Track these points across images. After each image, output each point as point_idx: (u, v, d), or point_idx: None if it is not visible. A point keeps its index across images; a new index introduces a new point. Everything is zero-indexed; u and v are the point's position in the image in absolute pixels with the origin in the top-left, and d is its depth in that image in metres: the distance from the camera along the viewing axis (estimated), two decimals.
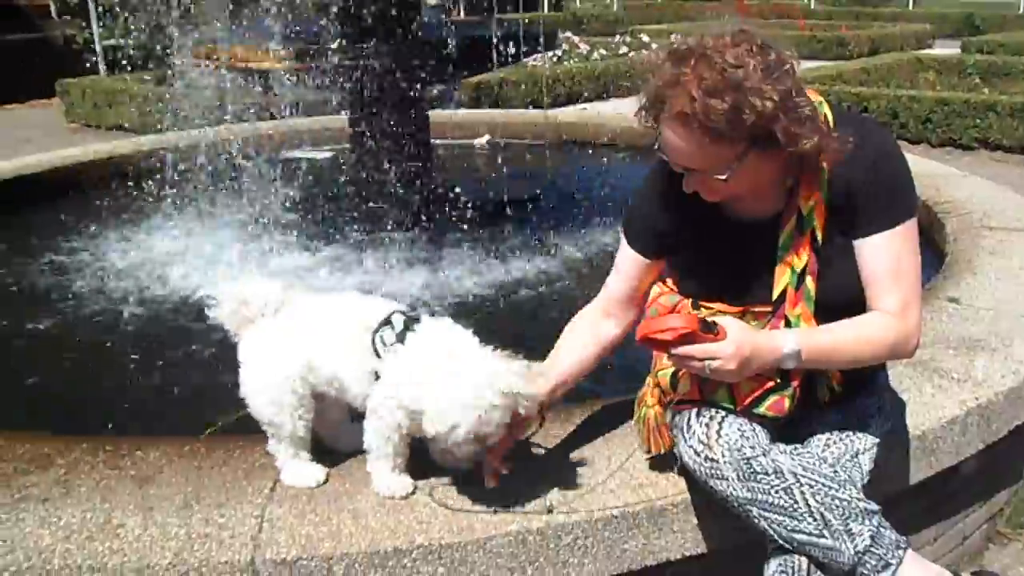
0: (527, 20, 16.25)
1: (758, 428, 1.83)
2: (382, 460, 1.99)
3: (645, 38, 16.15)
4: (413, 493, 2.01)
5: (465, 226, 4.73)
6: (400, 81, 4.40)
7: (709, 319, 1.76)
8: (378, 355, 1.95)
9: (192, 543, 1.88)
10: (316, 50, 4.50)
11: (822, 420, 2.01)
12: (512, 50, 5.70)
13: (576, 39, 15.61)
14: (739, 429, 1.81)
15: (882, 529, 1.80)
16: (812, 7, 24.91)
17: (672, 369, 1.93)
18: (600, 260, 4.35)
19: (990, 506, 2.77)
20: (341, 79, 4.45)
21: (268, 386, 2.03)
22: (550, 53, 13.42)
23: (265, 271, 4.22)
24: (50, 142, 8.92)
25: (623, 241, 2.11)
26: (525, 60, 11.26)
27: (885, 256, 1.83)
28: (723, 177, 1.74)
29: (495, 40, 5.67)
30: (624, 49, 15.22)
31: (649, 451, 2.03)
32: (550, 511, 1.95)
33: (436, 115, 5.75)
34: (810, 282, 1.86)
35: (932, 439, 2.31)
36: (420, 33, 4.57)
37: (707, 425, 1.82)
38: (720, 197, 1.86)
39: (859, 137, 1.80)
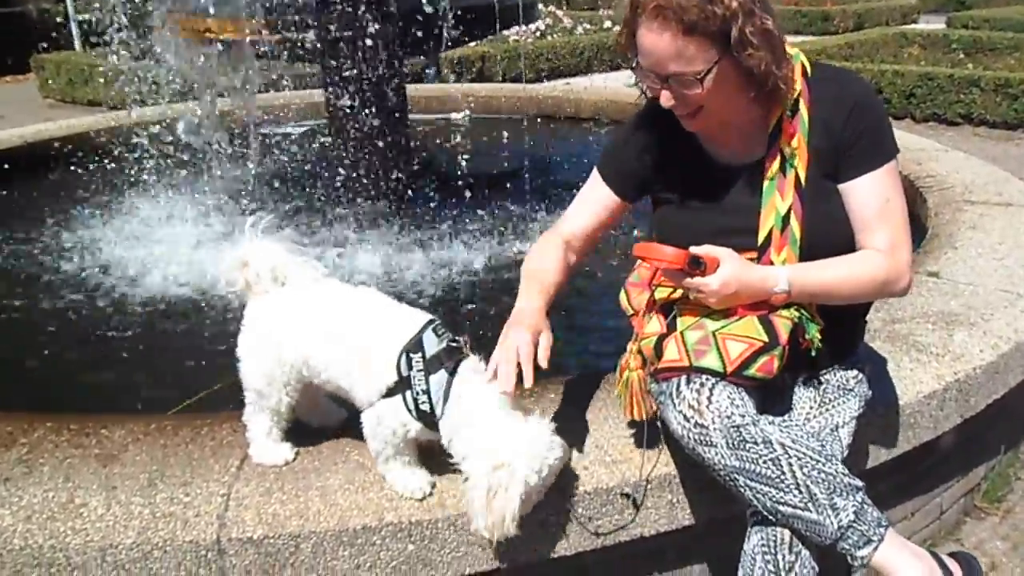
0: None
1: (746, 397, 1.80)
2: (393, 460, 1.90)
3: None
4: (433, 491, 1.93)
5: (446, 202, 4.67)
6: (380, 53, 4.32)
7: (700, 254, 1.78)
8: (400, 374, 1.83)
9: (156, 522, 1.84)
10: (294, 21, 4.39)
11: (801, 394, 2.00)
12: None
13: (560, 13, 15.50)
14: (729, 396, 1.78)
15: (865, 506, 1.78)
16: None
17: (656, 338, 1.90)
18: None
19: (967, 481, 2.76)
20: (320, 51, 4.34)
21: (263, 360, 1.97)
22: (532, 26, 13.31)
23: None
24: (24, 118, 8.77)
25: (595, 178, 2.12)
26: (506, 33, 11.14)
27: (872, 197, 1.86)
28: (698, 87, 1.75)
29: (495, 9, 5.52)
30: (608, 23, 15.13)
31: (632, 418, 1.99)
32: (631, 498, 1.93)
33: (414, 89, 5.68)
34: (795, 225, 1.87)
35: (910, 413, 2.29)
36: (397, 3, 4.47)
37: (697, 391, 1.79)
38: (699, 124, 1.88)
39: (838, 84, 1.88)
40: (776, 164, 1.88)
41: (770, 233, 1.87)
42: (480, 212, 4.73)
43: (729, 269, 1.79)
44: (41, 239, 4.57)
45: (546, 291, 1.98)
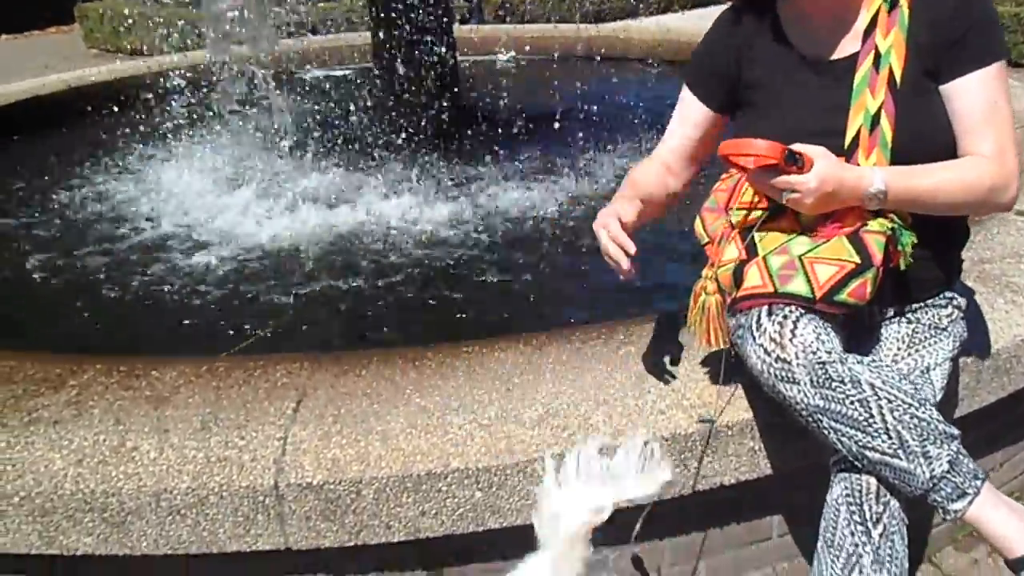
0: None
1: (832, 333, 1.66)
2: None
3: None
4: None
5: (494, 145, 4.52)
6: None
7: (796, 150, 1.63)
8: None
9: (211, 467, 1.75)
10: None
11: (890, 331, 1.86)
12: None
13: None
14: (815, 331, 1.63)
15: (961, 456, 1.64)
16: None
17: (734, 264, 1.76)
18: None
19: None
20: None
21: None
22: None
23: (292, 195, 4.06)
24: (68, 67, 8.73)
25: (684, 91, 2.01)
26: None
27: (979, 98, 1.70)
28: None
29: None
30: None
31: (709, 346, 1.85)
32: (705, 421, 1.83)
33: (459, 30, 5.51)
34: (886, 126, 1.71)
35: (1006, 358, 2.13)
36: None
37: (780, 324, 1.64)
38: None
39: None
40: (869, 60, 1.73)
41: (858, 133, 1.73)
42: (528, 153, 4.57)
43: (824, 166, 1.63)
44: (89, 182, 4.52)
45: (635, 197, 1.87)
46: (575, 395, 1.90)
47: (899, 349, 1.82)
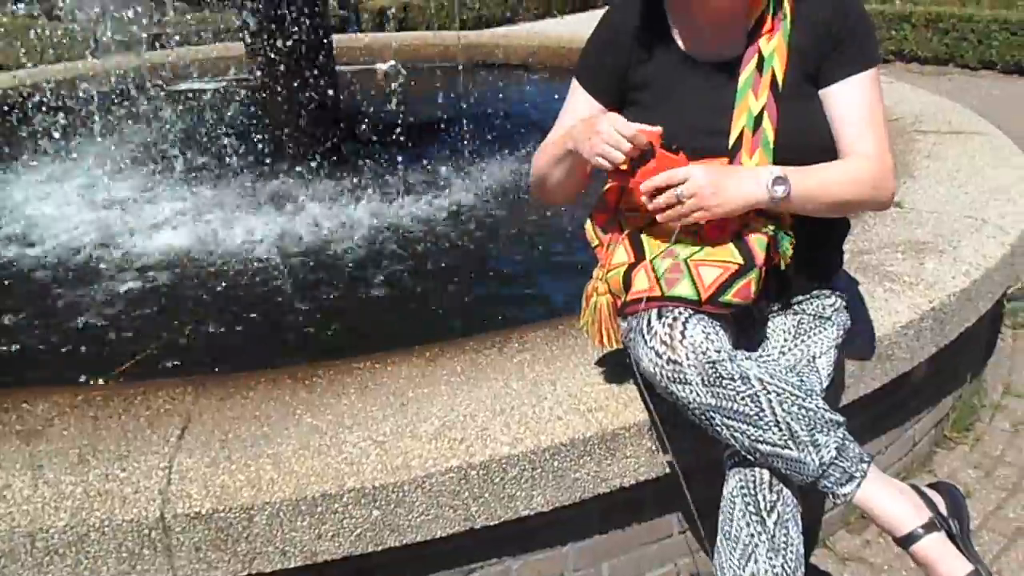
0: None
1: (721, 331, 1.68)
2: None
3: None
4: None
5: (377, 155, 4.41)
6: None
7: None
8: None
9: (91, 502, 1.66)
10: None
11: (776, 324, 1.90)
12: None
13: None
14: (703, 330, 1.65)
15: (847, 442, 1.68)
16: None
17: (623, 268, 1.76)
18: (517, 185, 4.15)
19: (937, 411, 2.71)
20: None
21: None
22: None
23: (164, 210, 3.90)
24: None
25: (574, 85, 2.00)
26: None
27: (858, 101, 1.79)
28: None
29: None
30: None
31: (602, 346, 1.87)
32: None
33: (338, 38, 5.40)
34: (768, 127, 1.76)
35: (887, 344, 2.20)
36: None
37: (670, 325, 1.65)
38: None
39: None
40: (753, 62, 1.79)
41: (741, 133, 1.77)
42: (412, 163, 4.47)
43: (702, 169, 1.68)
44: None
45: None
46: (472, 406, 1.87)
47: (786, 340, 1.86)
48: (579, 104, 1.99)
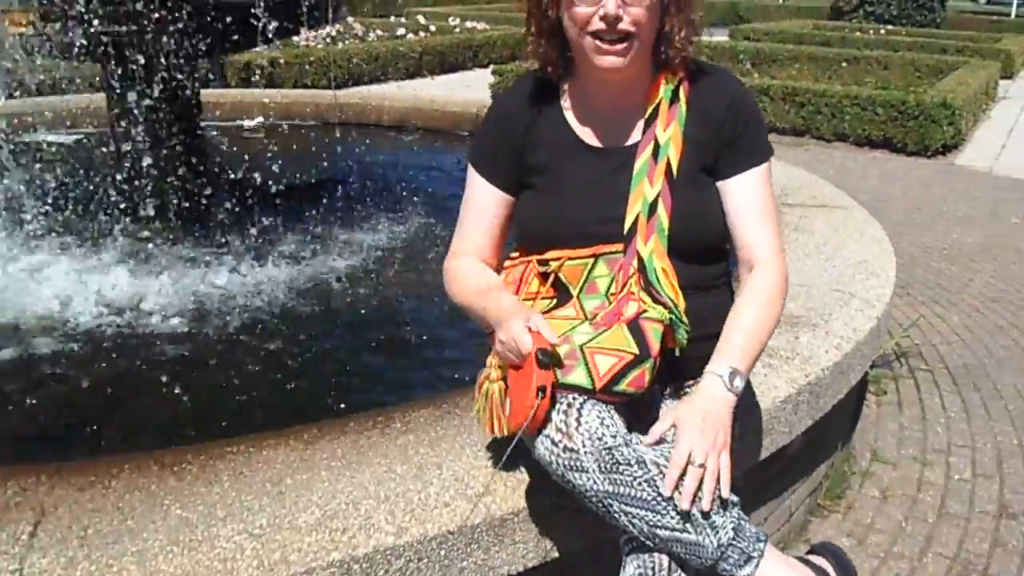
0: None
1: (616, 416, 1.65)
2: None
3: (422, 19, 16.01)
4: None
5: (241, 218, 4.21)
6: (170, 53, 3.90)
7: (547, 349, 1.62)
8: None
9: None
10: (66, 12, 3.86)
11: (670, 406, 1.89)
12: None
13: (351, 19, 15.25)
14: (599, 416, 1.62)
15: (742, 521, 1.68)
16: None
17: None
18: (396, 251, 4.07)
19: (811, 480, 2.77)
20: (97, 48, 3.84)
21: None
22: (323, 32, 12.94)
23: (12, 274, 3.64)
24: None
25: (472, 175, 1.97)
26: (295, 39, 10.71)
27: (753, 194, 1.83)
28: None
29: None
30: (401, 31, 14.99)
31: (493, 434, 1.80)
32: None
33: (207, 93, 5.25)
34: (663, 214, 1.78)
35: (768, 420, 2.23)
36: None
37: (565, 413, 1.62)
38: (619, 56, 1.73)
39: (717, 77, 1.87)
40: (649, 149, 1.81)
41: (636, 220, 1.78)
42: (279, 227, 4.31)
43: (683, 412, 1.68)
44: None
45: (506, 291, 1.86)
46: (354, 493, 1.78)
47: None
48: (478, 192, 1.96)
